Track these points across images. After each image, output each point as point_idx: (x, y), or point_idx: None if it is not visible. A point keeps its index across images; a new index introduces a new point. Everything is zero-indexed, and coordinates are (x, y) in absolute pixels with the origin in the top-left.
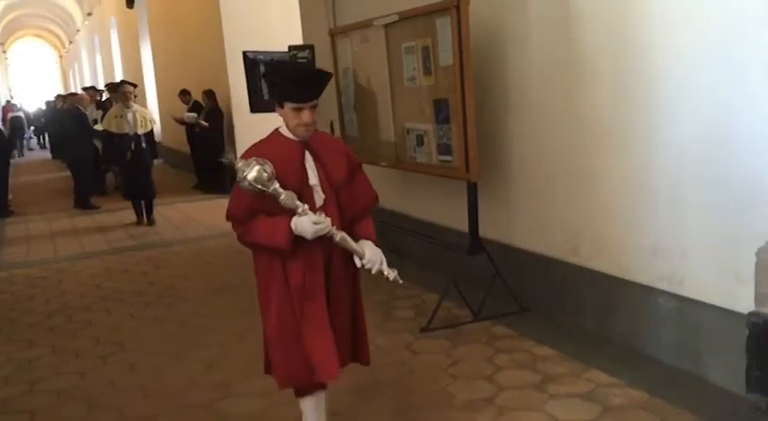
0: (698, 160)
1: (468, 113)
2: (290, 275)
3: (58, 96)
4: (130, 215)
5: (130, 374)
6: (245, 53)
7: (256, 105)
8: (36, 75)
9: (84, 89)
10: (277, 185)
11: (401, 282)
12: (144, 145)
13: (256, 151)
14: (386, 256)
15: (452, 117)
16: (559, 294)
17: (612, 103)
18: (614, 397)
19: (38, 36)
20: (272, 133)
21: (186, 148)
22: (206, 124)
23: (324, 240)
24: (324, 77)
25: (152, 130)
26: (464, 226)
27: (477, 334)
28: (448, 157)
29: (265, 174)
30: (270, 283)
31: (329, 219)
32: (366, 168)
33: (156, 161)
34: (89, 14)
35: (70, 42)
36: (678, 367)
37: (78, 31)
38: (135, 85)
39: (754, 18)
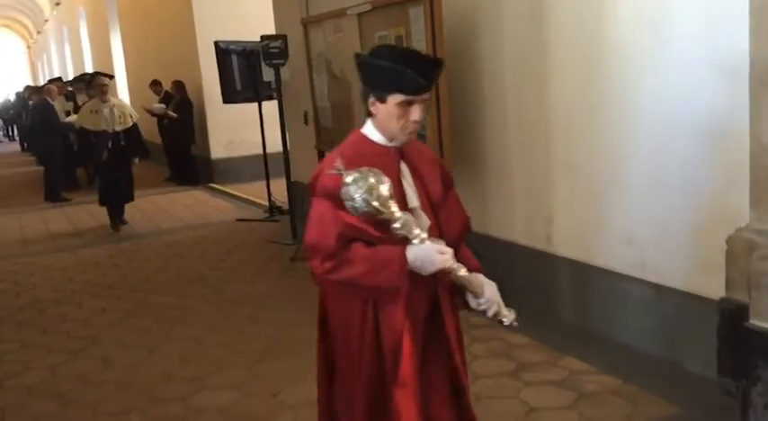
0: (668, 150)
1: (443, 104)
2: (386, 327)
3: (27, 88)
4: (101, 208)
5: (103, 369)
6: (216, 43)
7: (229, 96)
8: (3, 66)
9: (51, 81)
10: (396, 206)
11: (516, 325)
12: (123, 143)
13: (346, 157)
14: None
15: (426, 108)
16: (534, 282)
17: (583, 93)
18: (588, 383)
19: (5, 26)
20: (355, 136)
21: (158, 140)
22: (174, 115)
23: (428, 279)
24: (441, 63)
25: (135, 126)
26: None
27: None
28: None
29: (385, 191)
30: (359, 338)
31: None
32: None
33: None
34: (57, 4)
35: (38, 33)
36: (651, 353)
37: (46, 21)
38: (111, 77)
39: (722, 6)
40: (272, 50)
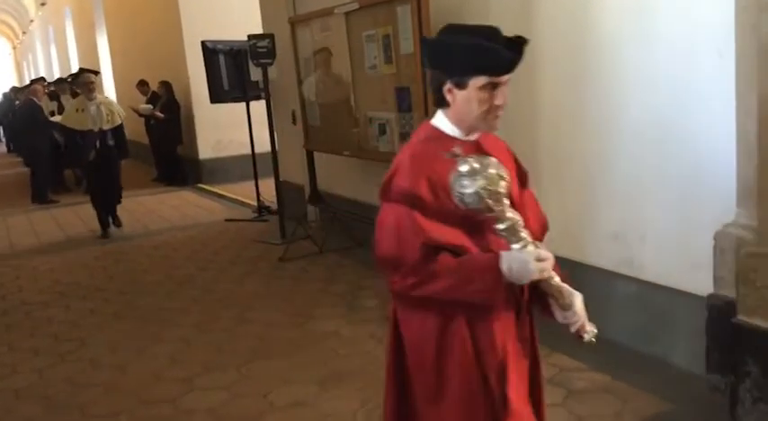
0: (655, 147)
1: (431, 102)
2: (480, 344)
3: (13, 88)
4: (89, 209)
5: (91, 371)
6: (203, 43)
7: (216, 96)
8: None
9: (34, 81)
10: (507, 203)
11: (594, 342)
12: (111, 142)
13: (421, 155)
14: (349, 249)
15: (414, 105)
16: None
17: (570, 92)
18: (578, 380)
19: None
20: (426, 130)
21: (145, 140)
22: (161, 115)
23: (515, 286)
24: (525, 39)
25: (121, 125)
26: None
27: None
28: None
29: (503, 187)
30: (444, 356)
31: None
32: (328, 158)
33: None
34: (43, 4)
35: (24, 33)
36: (639, 350)
37: (32, 21)
38: (96, 73)
39: (708, 6)
40: (260, 50)
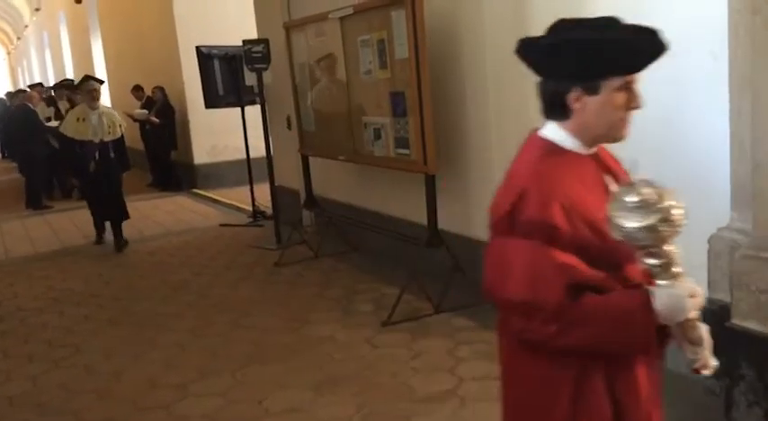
0: (648, 148)
1: (425, 106)
2: (628, 399)
3: (8, 94)
4: (84, 214)
5: (86, 377)
6: (198, 48)
7: (211, 101)
8: None
9: (32, 86)
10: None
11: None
12: (112, 154)
13: (548, 177)
14: (344, 253)
15: (409, 110)
16: None
17: None
18: None
19: None
20: (540, 144)
21: (140, 146)
22: (157, 121)
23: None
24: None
25: (122, 137)
26: (423, 218)
27: (438, 326)
28: (405, 151)
29: (680, 221)
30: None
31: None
32: (324, 163)
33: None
34: (37, 10)
35: (18, 38)
36: None
37: (26, 26)
38: (101, 82)
39: (701, 9)
40: (255, 55)
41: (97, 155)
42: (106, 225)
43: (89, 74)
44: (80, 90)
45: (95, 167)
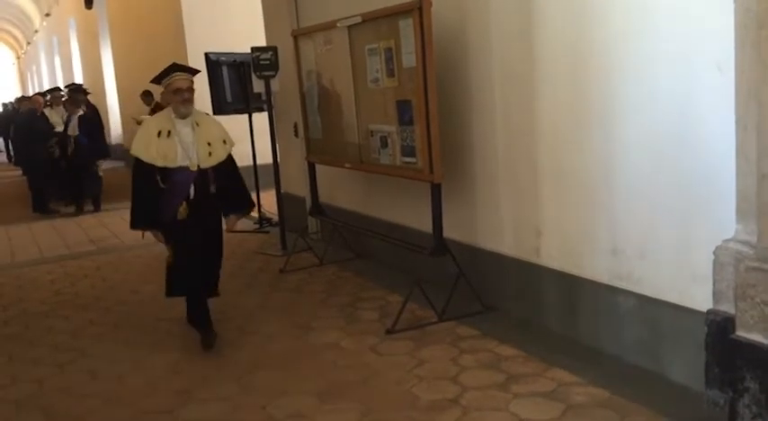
0: (656, 161)
1: (432, 115)
2: None
3: (18, 99)
4: (89, 219)
5: (90, 381)
6: (207, 54)
7: (219, 107)
8: None
9: (51, 90)
10: None
11: None
12: (212, 188)
13: None
14: (349, 261)
15: (416, 118)
16: (522, 294)
17: (570, 105)
18: (576, 395)
19: None
20: None
21: None
22: None
23: None
24: None
25: (232, 161)
26: (428, 227)
27: (441, 334)
28: (412, 159)
29: None
30: None
31: None
32: (330, 170)
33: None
34: (47, 15)
35: (28, 43)
36: (638, 365)
37: (36, 31)
38: (194, 71)
39: (707, 23)
40: (263, 62)
41: (192, 191)
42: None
43: (97, 79)
44: (164, 85)
45: (186, 213)
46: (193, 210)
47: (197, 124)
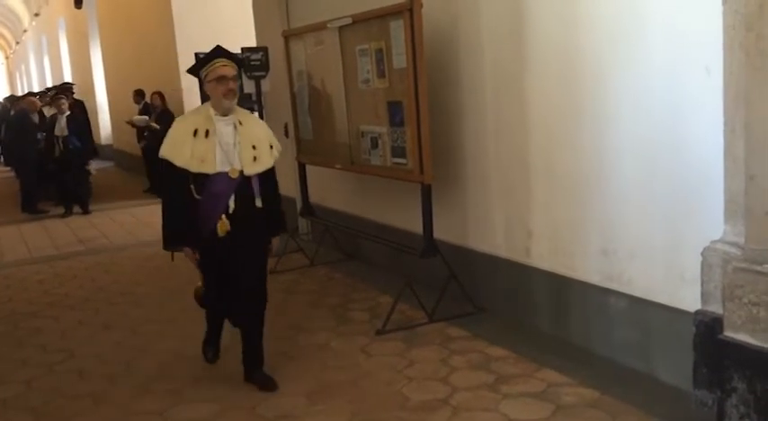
0: (644, 163)
1: (422, 116)
2: None
3: (8, 98)
4: (79, 219)
5: (80, 382)
6: (197, 55)
7: None
8: None
9: (49, 90)
10: None
11: None
12: (258, 202)
13: None
14: (340, 262)
15: (406, 119)
16: (513, 295)
17: (562, 106)
18: (566, 395)
19: None
20: None
21: (137, 151)
22: (157, 126)
23: None
24: None
25: (273, 170)
26: (418, 228)
27: (431, 335)
28: (402, 160)
29: None
30: None
31: None
32: (321, 171)
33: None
34: (36, 15)
35: (17, 43)
36: (628, 365)
37: (25, 31)
38: (236, 59)
39: (695, 25)
40: (253, 63)
41: (232, 203)
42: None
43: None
44: (206, 74)
45: (227, 229)
46: (235, 228)
47: (240, 123)
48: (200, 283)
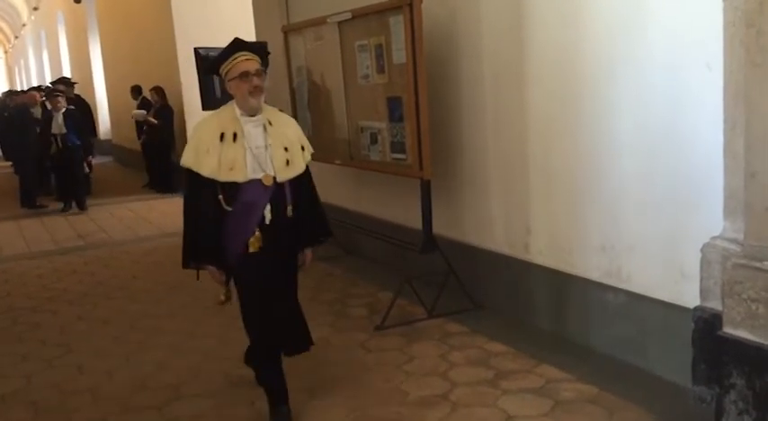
0: (643, 158)
1: (422, 111)
2: None
3: (6, 93)
4: (77, 215)
5: (78, 377)
6: (196, 50)
7: (208, 103)
8: None
9: (54, 83)
10: None
11: None
12: (290, 211)
13: None
14: (339, 257)
15: (406, 115)
16: (512, 291)
17: (561, 102)
18: (565, 391)
19: None
20: None
21: (137, 146)
22: (155, 121)
23: None
24: None
25: (308, 172)
26: (418, 224)
27: (431, 331)
28: (401, 155)
29: None
30: None
31: None
32: (320, 166)
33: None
34: (35, 9)
35: (16, 37)
36: (627, 361)
37: (24, 25)
38: (262, 51)
39: (696, 21)
40: None
41: (268, 213)
42: None
43: (85, 74)
44: (224, 73)
45: (260, 244)
46: (269, 241)
47: (269, 123)
48: (222, 298)
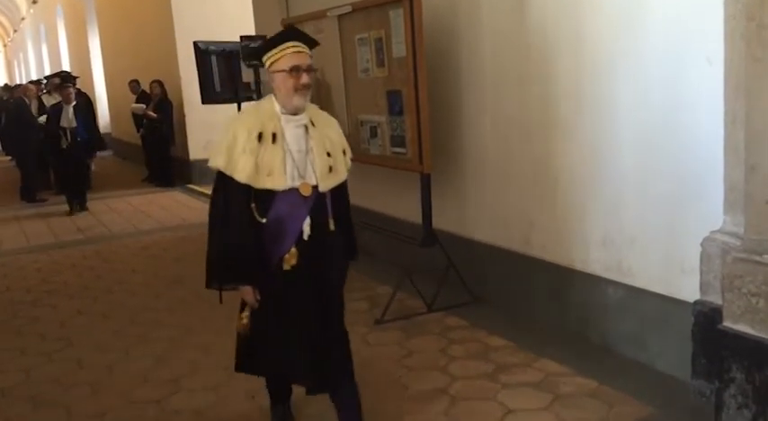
0: (645, 153)
1: (422, 105)
2: None
3: (4, 87)
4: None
5: (78, 371)
6: (196, 43)
7: (208, 97)
8: None
9: (49, 77)
10: None
11: None
12: (331, 225)
13: None
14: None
15: (406, 109)
16: (512, 285)
17: (561, 95)
18: (564, 385)
19: None
20: None
21: (136, 140)
22: (154, 115)
23: None
24: None
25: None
26: (418, 218)
27: (430, 325)
28: (401, 149)
29: None
30: None
31: None
32: None
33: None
34: (34, 2)
35: (15, 31)
36: (626, 355)
37: (23, 19)
38: (311, 41)
39: (696, 15)
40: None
41: (307, 227)
42: None
43: (85, 68)
44: (269, 62)
45: (296, 261)
46: (306, 258)
47: (312, 123)
48: (245, 320)
